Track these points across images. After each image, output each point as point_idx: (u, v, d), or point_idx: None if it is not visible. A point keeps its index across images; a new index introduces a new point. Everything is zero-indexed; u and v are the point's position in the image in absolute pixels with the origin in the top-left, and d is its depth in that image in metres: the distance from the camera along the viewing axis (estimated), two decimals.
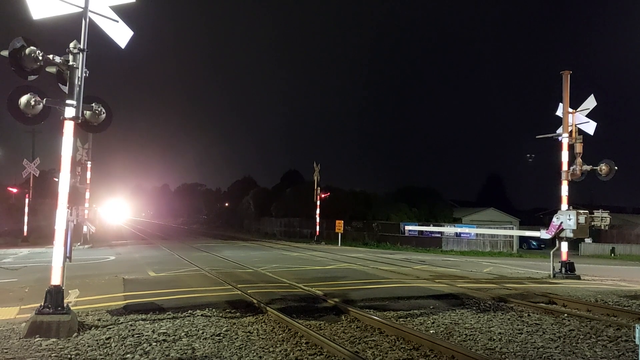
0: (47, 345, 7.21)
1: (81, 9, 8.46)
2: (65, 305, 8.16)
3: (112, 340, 7.51)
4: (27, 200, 34.26)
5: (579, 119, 18.18)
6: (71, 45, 8.29)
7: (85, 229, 27.74)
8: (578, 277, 17.20)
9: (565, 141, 18.10)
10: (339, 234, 38.83)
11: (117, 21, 8.94)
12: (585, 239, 18.75)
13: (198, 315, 9.32)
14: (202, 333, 8.03)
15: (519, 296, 12.20)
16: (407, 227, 40.76)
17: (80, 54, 8.32)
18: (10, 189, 36.17)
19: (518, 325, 9.10)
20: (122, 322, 8.65)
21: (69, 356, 6.74)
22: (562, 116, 18.39)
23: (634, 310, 10.71)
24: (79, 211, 9.31)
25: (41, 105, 8.20)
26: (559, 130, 18.45)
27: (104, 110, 8.91)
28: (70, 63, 8.26)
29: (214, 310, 9.84)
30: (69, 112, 8.27)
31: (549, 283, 15.63)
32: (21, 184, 38.99)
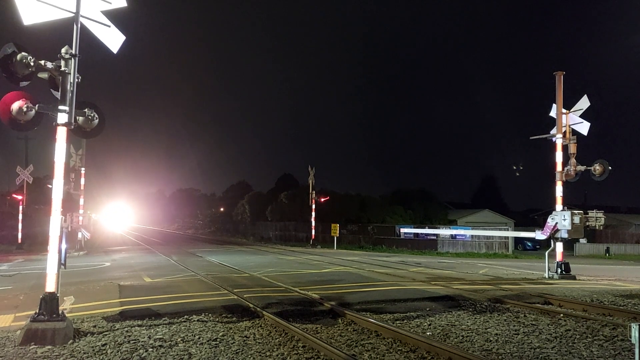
0: (42, 353, 7.16)
1: (72, 14, 8.44)
2: (60, 312, 8.11)
3: (108, 346, 7.47)
4: (21, 207, 34.09)
5: (572, 120, 18.25)
6: (63, 50, 8.26)
7: (80, 235, 27.77)
8: (573, 277, 17.24)
9: (559, 142, 18.16)
10: (335, 238, 38.82)
11: (109, 26, 8.93)
12: (580, 239, 18.86)
13: (194, 321, 9.28)
14: (199, 338, 8.00)
15: (514, 297, 12.21)
16: (403, 230, 40.73)
17: (72, 59, 8.30)
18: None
19: (514, 326, 9.11)
20: (118, 329, 8.60)
21: None
22: (555, 117, 18.46)
23: (629, 310, 10.74)
24: (73, 218, 9.26)
25: (33, 111, 8.16)
26: (553, 131, 18.52)
27: (96, 116, 8.88)
28: (62, 68, 8.24)
29: (210, 315, 9.80)
30: (62, 118, 8.24)
31: (544, 283, 15.65)
32: (15, 191, 38.79)
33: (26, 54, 7.96)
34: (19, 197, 33.79)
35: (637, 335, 5.52)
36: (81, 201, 29.31)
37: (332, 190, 52.06)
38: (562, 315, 10.12)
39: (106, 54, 9.04)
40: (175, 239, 54.93)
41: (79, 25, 8.47)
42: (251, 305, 10.65)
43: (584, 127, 18.12)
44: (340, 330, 8.78)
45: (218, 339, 7.95)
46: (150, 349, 7.35)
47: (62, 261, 8.37)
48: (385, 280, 15.89)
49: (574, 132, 18.20)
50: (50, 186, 8.69)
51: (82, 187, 29.56)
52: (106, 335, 8.16)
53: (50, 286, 8.13)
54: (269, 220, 58.41)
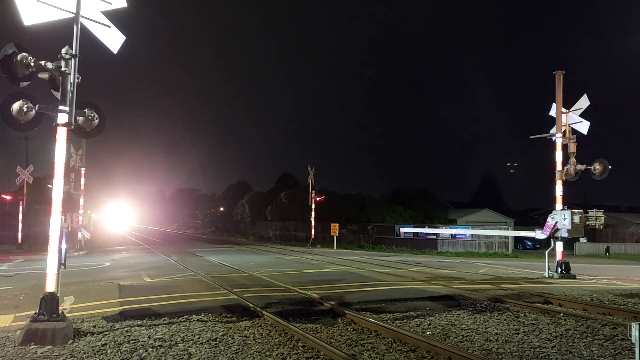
0: (42, 353, 7.16)
1: (73, 15, 8.44)
2: (60, 312, 8.12)
3: (107, 346, 7.47)
4: (21, 207, 34.11)
5: (572, 119, 18.25)
6: (63, 51, 8.27)
7: (80, 235, 27.78)
8: (573, 277, 17.24)
9: (559, 141, 18.16)
10: (334, 237, 38.83)
11: (109, 26, 8.93)
12: (580, 239, 18.80)
13: (194, 320, 9.29)
14: (199, 338, 8.00)
15: (514, 296, 12.21)
16: (403, 229, 40.74)
17: (73, 59, 8.30)
18: (4, 196, 36.01)
19: (514, 325, 9.12)
20: (117, 328, 8.61)
21: None
22: (555, 116, 18.45)
23: (629, 309, 10.75)
24: (73, 218, 9.27)
25: (34, 111, 8.16)
26: (553, 130, 18.52)
27: (96, 116, 8.88)
28: (63, 69, 8.24)
29: (210, 315, 9.81)
30: (62, 118, 8.24)
31: (544, 283, 15.66)
32: (15, 191, 38.83)
33: (26, 54, 7.96)
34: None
35: (637, 334, 5.53)
36: (81, 201, 29.32)
37: (332, 189, 52.18)
38: (562, 314, 10.12)
39: (106, 54, 9.06)
40: (175, 238, 54.96)
41: (79, 26, 8.47)
42: (251, 305, 10.66)
43: (583, 126, 18.13)
44: (340, 329, 8.78)
45: (218, 339, 7.95)
46: (150, 349, 7.36)
47: (62, 261, 8.37)
48: (385, 279, 15.90)
49: (574, 131, 18.21)
50: (50, 186, 8.70)
51: (82, 187, 29.57)
52: (106, 335, 8.17)
53: (50, 286, 8.14)
54: (269, 220, 58.43)
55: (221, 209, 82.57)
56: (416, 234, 40.45)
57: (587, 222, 17.11)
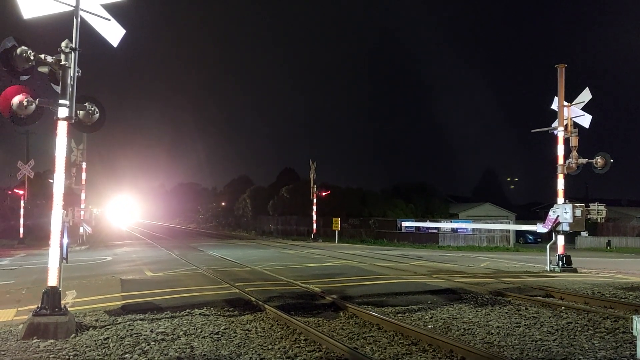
0: (45, 347, 7.18)
1: (72, 8, 8.39)
2: (62, 306, 8.12)
3: (110, 340, 7.49)
4: (22, 202, 34.15)
5: (574, 112, 18.21)
6: (63, 44, 8.23)
7: (81, 230, 27.82)
8: (575, 270, 17.25)
9: (560, 135, 18.12)
10: (336, 232, 38.84)
11: (109, 19, 8.89)
12: (582, 232, 18.89)
13: (196, 314, 9.30)
14: (201, 332, 8.01)
15: (516, 290, 12.22)
16: (404, 224, 40.71)
17: (72, 53, 8.26)
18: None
19: (516, 318, 9.12)
20: (120, 322, 8.62)
21: (67, 357, 6.71)
22: (557, 110, 18.41)
23: (631, 302, 10.75)
24: (74, 212, 9.27)
25: (34, 105, 8.14)
26: (555, 124, 18.49)
27: (97, 110, 8.85)
28: (63, 62, 8.20)
29: (212, 309, 9.82)
30: (62, 112, 8.21)
31: (546, 276, 15.67)
32: (16, 186, 38.84)
33: (26, 48, 7.93)
34: (21, 192, 33.88)
35: (638, 327, 5.54)
36: (82, 196, 29.30)
37: (333, 184, 52.18)
38: (563, 307, 10.12)
39: (107, 48, 9.02)
40: (176, 233, 55.02)
41: (79, 19, 8.44)
42: (253, 299, 10.67)
43: (585, 120, 18.08)
44: (342, 323, 8.79)
45: (220, 333, 7.96)
46: (153, 343, 7.37)
47: (64, 255, 8.38)
48: (387, 273, 15.91)
49: (576, 125, 18.18)
50: (51, 181, 8.69)
51: (83, 182, 29.58)
52: (108, 329, 8.18)
53: (52, 280, 8.14)
54: (271, 214, 58.47)
55: (223, 203, 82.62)
56: (417, 228, 40.47)
57: (589, 216, 17.11)
